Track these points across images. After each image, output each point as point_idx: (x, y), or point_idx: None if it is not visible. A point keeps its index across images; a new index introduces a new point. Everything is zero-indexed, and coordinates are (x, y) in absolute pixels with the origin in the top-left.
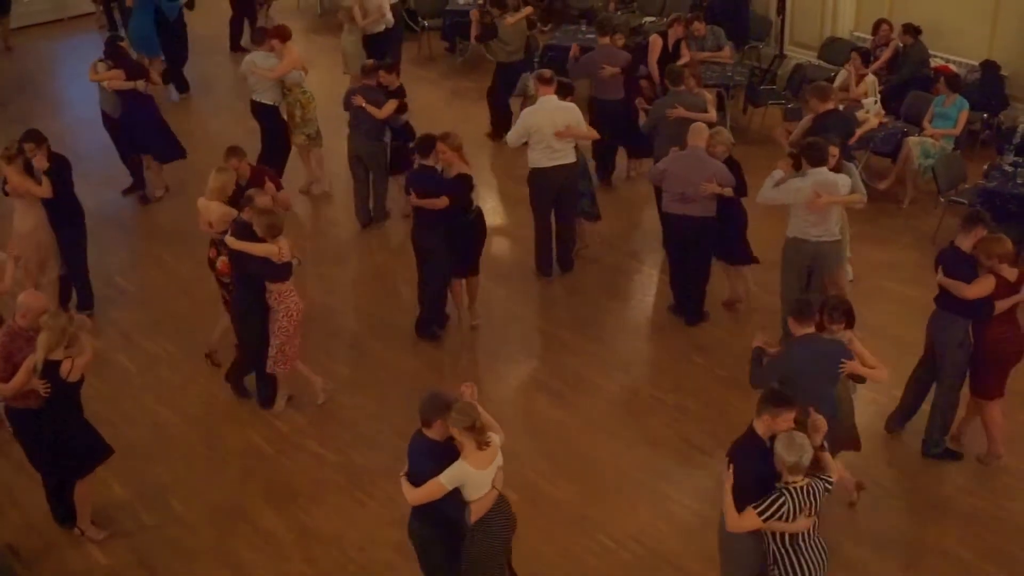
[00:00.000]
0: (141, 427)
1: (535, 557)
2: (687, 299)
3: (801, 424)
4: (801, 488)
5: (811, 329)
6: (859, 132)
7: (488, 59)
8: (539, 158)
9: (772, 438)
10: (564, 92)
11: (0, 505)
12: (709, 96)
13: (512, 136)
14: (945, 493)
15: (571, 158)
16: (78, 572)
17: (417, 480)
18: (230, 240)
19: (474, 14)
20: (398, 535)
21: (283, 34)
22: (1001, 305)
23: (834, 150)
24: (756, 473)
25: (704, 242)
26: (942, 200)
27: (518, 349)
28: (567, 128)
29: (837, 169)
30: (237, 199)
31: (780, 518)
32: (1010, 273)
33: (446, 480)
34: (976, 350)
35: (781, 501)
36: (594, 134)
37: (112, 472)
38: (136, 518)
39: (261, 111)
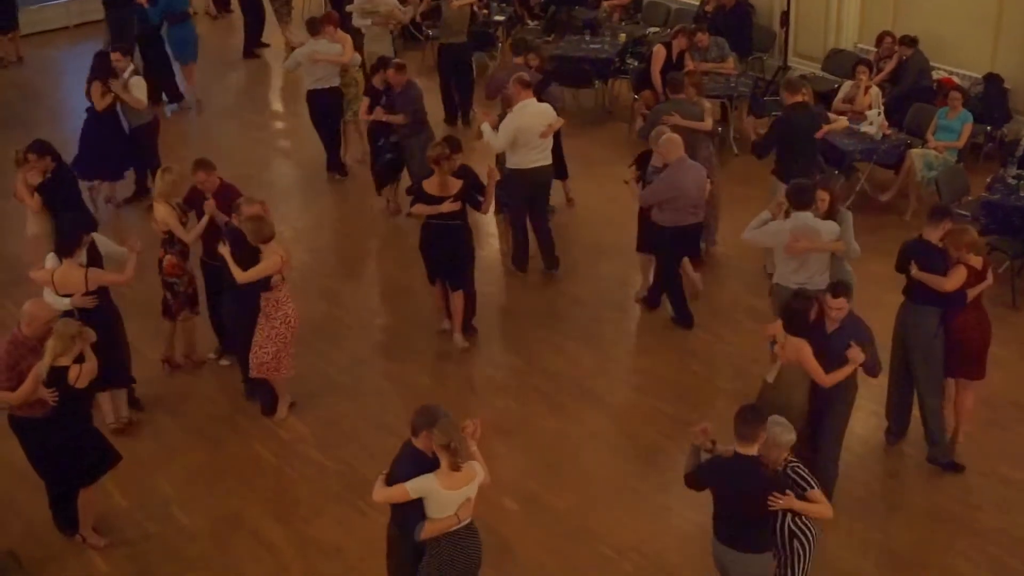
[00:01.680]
0: (144, 437)
1: (536, 567)
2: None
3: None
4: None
5: None
6: (826, 128)
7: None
8: (521, 160)
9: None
10: (542, 90)
11: (2, 513)
12: (707, 105)
13: (501, 141)
14: (946, 505)
15: (549, 160)
16: None
17: (391, 482)
18: (223, 251)
19: None
20: None
21: (336, 20)
22: (972, 293)
23: (823, 195)
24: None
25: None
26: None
27: (519, 359)
28: (548, 127)
29: (831, 215)
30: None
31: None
32: (976, 261)
33: (411, 487)
34: (948, 339)
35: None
36: (561, 121)
37: (114, 481)
38: (138, 527)
39: (324, 96)
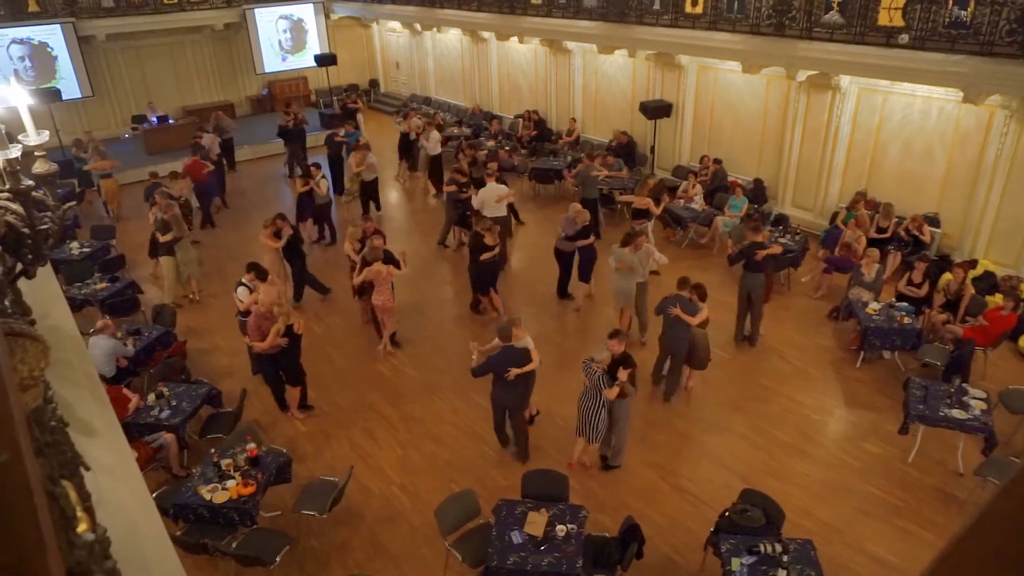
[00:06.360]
0: (323, 362)
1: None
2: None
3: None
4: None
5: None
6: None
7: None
8: (487, 213)
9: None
10: (500, 181)
11: (252, 402)
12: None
13: (476, 202)
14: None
15: (504, 212)
16: (289, 434)
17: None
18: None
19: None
20: (456, 419)
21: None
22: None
23: (640, 240)
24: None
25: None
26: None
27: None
28: (499, 197)
29: (639, 247)
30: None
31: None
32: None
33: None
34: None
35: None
36: (511, 193)
37: (308, 385)
38: (318, 407)
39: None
